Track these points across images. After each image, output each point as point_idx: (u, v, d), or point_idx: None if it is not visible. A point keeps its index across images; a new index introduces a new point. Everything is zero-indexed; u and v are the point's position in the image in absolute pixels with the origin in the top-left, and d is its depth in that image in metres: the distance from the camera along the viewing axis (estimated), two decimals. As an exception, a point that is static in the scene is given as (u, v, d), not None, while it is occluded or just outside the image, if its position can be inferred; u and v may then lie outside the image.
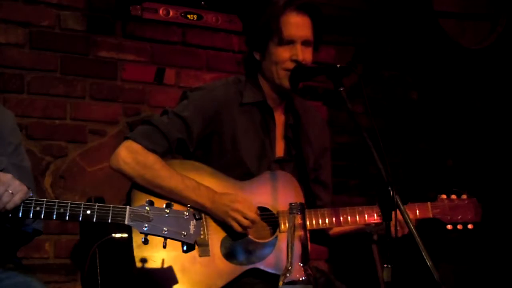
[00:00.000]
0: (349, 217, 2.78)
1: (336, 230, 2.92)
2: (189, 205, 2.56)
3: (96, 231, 3.09)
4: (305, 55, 2.73)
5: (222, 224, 2.63)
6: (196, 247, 2.56)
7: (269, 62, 2.76)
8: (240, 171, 2.75)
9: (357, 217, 2.79)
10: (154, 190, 2.61)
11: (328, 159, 3.01)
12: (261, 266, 2.64)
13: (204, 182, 2.66)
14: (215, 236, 2.63)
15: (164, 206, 2.28)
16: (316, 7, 2.79)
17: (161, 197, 2.60)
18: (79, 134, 3.50)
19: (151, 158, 2.64)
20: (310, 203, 2.86)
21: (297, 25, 2.73)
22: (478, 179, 4.53)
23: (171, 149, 2.71)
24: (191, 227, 2.28)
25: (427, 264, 2.19)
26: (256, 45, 2.79)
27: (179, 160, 2.76)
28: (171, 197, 2.60)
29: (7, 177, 2.17)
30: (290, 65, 2.71)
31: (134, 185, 2.65)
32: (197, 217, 2.30)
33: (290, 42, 2.72)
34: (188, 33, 3.79)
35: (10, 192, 2.14)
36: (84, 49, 3.52)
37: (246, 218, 2.60)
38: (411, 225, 2.30)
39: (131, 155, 2.63)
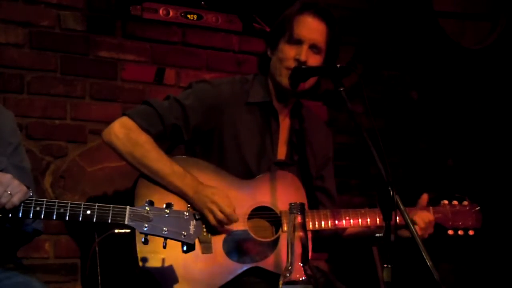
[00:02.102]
0: (351, 220, 2.78)
1: (349, 231, 2.92)
2: (172, 190, 2.58)
3: (97, 229, 3.09)
4: (309, 58, 2.72)
5: (201, 214, 2.62)
6: (199, 244, 2.56)
7: (275, 59, 2.78)
8: (240, 169, 2.75)
9: (360, 219, 2.79)
10: (141, 170, 2.62)
11: (330, 169, 3.01)
12: (262, 265, 2.65)
13: (207, 180, 2.66)
14: (218, 234, 2.63)
15: (164, 206, 2.29)
16: (334, 17, 2.80)
17: (165, 188, 2.60)
18: (79, 134, 3.50)
19: (143, 137, 2.65)
20: (312, 207, 2.86)
21: (309, 27, 2.74)
22: (478, 179, 4.52)
23: (165, 133, 2.71)
24: (191, 227, 2.29)
25: (427, 264, 2.19)
26: (270, 41, 2.82)
27: (184, 157, 2.76)
28: (156, 180, 2.60)
29: (6, 177, 2.17)
30: (292, 64, 2.72)
31: (140, 178, 2.64)
32: (197, 217, 2.31)
33: (298, 42, 2.72)
34: (188, 33, 3.79)
35: (9, 192, 2.14)
36: (84, 49, 3.52)
37: (222, 212, 2.59)
38: (411, 225, 2.30)
39: (123, 131, 2.65)
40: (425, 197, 2.86)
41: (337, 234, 2.94)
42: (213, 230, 2.63)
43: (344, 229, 2.90)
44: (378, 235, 2.84)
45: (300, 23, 2.74)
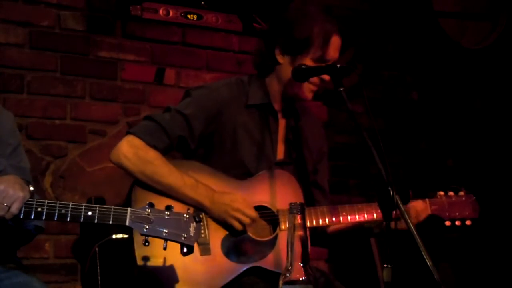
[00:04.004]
0: (348, 215, 2.78)
1: (334, 227, 2.91)
2: (187, 202, 2.58)
3: (97, 231, 3.09)
4: None
5: (223, 223, 2.64)
6: (197, 246, 2.56)
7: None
8: (239, 170, 2.76)
9: (357, 215, 2.79)
10: (154, 186, 2.62)
11: (325, 163, 3.01)
12: (261, 264, 2.65)
13: (204, 182, 2.66)
14: (216, 235, 2.64)
15: (165, 208, 2.29)
16: None
17: (161, 193, 2.61)
18: (79, 134, 3.50)
19: (152, 154, 2.65)
20: (309, 204, 2.86)
21: (338, 47, 2.75)
22: (478, 179, 4.53)
23: (172, 146, 2.72)
24: (191, 229, 2.29)
25: (427, 264, 2.19)
26: (290, 49, 2.73)
27: (179, 160, 2.76)
28: (170, 194, 2.61)
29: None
30: (317, 81, 2.72)
31: (135, 184, 2.65)
32: (197, 220, 2.31)
33: (328, 61, 2.71)
34: (188, 33, 3.79)
35: (5, 205, 2.14)
36: (84, 49, 3.52)
37: (246, 216, 2.61)
38: (411, 225, 2.30)
39: (132, 150, 2.65)
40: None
41: (322, 231, 2.92)
42: (235, 233, 2.64)
43: (328, 226, 2.89)
44: (367, 225, 2.84)
45: (333, 44, 2.71)
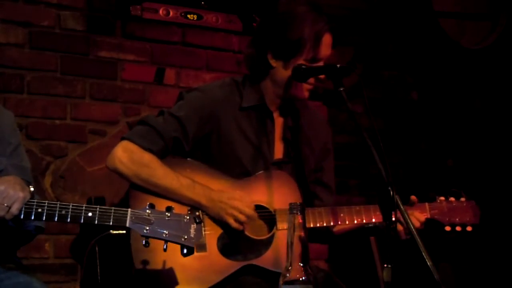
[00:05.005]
0: (346, 217, 2.78)
1: (340, 227, 2.91)
2: (185, 203, 2.58)
3: (96, 231, 3.09)
4: None
5: (219, 221, 2.64)
6: None
7: (289, 72, 2.72)
8: (237, 170, 2.76)
9: (355, 218, 2.79)
10: (150, 189, 2.62)
11: (330, 160, 3.00)
12: (257, 262, 2.65)
13: (201, 180, 2.66)
14: (212, 232, 2.64)
15: (165, 209, 2.29)
16: None
17: (159, 196, 2.61)
18: (79, 134, 3.50)
19: (147, 157, 2.65)
20: (308, 204, 2.86)
21: (330, 44, 2.73)
22: (478, 179, 4.53)
23: (168, 148, 2.72)
24: (192, 231, 2.29)
25: (427, 264, 2.19)
26: (282, 54, 2.72)
27: (177, 159, 2.76)
28: (167, 196, 2.61)
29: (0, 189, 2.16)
30: (312, 80, 2.73)
31: (132, 185, 2.66)
32: (197, 221, 2.31)
33: (320, 60, 2.71)
34: (188, 33, 3.80)
35: (5, 205, 2.14)
36: (84, 49, 3.52)
37: (243, 214, 2.61)
38: (411, 225, 2.30)
39: (126, 155, 2.65)
40: (413, 198, 2.84)
41: (328, 231, 2.93)
42: (231, 232, 2.64)
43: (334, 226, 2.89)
44: (371, 225, 2.83)
45: (325, 43, 2.70)
